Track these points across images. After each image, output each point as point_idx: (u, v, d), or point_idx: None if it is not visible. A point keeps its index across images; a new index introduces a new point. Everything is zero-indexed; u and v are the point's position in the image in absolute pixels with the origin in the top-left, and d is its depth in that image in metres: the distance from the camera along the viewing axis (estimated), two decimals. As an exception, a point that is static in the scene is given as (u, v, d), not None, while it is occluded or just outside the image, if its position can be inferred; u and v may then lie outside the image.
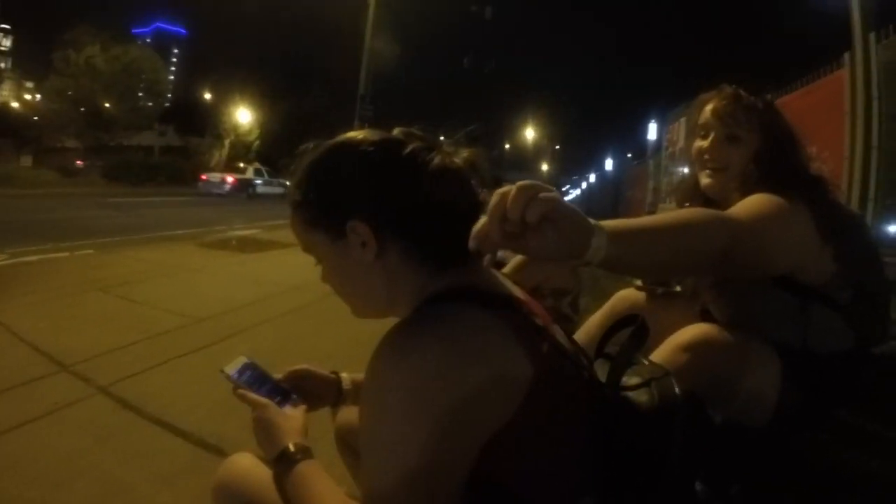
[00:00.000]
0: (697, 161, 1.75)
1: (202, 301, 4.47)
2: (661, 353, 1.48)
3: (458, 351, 0.77)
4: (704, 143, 1.71)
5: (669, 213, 1.15)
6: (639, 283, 2.10)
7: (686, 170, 1.95)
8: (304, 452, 0.99)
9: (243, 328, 3.87)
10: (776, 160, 1.58)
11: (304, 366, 1.27)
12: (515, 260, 2.81)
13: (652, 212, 16.28)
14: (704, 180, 1.72)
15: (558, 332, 0.98)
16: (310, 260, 1.00)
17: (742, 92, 1.69)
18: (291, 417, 1.08)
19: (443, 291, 0.87)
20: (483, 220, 0.77)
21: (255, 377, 1.16)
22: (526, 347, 0.82)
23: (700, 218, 1.22)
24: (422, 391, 0.75)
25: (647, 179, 18.93)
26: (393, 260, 0.92)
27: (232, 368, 1.15)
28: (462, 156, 0.96)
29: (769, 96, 1.72)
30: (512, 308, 0.88)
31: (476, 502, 0.80)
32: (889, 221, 5.45)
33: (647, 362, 1.03)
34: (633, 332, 0.96)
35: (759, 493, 1.46)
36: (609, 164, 45.31)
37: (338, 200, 0.92)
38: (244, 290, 4.99)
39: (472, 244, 0.77)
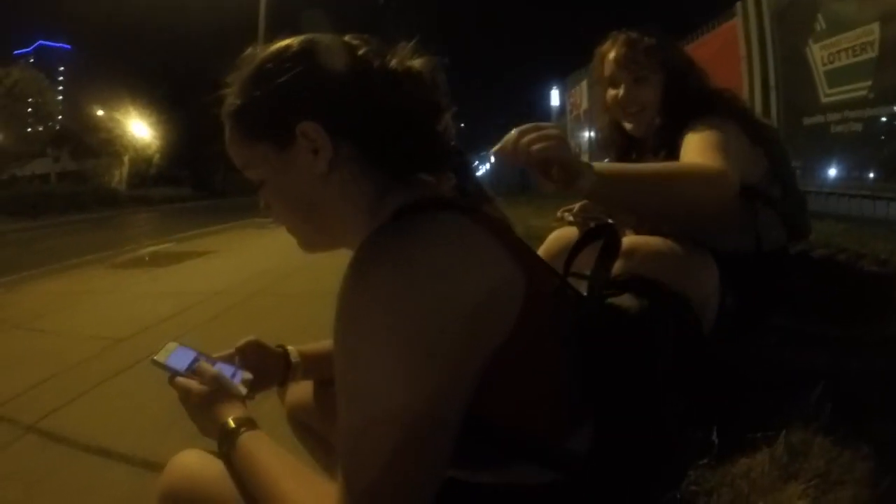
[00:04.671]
0: (615, 110, 1.85)
1: (120, 322, 4.36)
2: None
3: (452, 259, 0.68)
4: (618, 92, 1.80)
5: (662, 164, 1.34)
6: (570, 218, 2.08)
7: (591, 130, 2.05)
8: (246, 424, 0.87)
9: (167, 341, 3.75)
10: (686, 87, 1.70)
11: (253, 337, 1.18)
12: None
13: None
14: (628, 125, 1.83)
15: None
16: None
17: (634, 35, 1.79)
18: (225, 394, 0.95)
19: (411, 204, 0.78)
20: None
21: (191, 360, 1.05)
22: (513, 253, 0.74)
23: (686, 170, 1.37)
24: (422, 312, 0.64)
25: (553, 145, 19.23)
26: (347, 170, 0.82)
27: (163, 356, 1.05)
28: (419, 62, 0.86)
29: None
30: (488, 214, 0.82)
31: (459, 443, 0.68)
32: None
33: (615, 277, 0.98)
34: (605, 242, 0.88)
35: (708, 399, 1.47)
36: (515, 136, 46.00)
37: (288, 100, 0.81)
38: (163, 304, 4.88)
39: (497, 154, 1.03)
